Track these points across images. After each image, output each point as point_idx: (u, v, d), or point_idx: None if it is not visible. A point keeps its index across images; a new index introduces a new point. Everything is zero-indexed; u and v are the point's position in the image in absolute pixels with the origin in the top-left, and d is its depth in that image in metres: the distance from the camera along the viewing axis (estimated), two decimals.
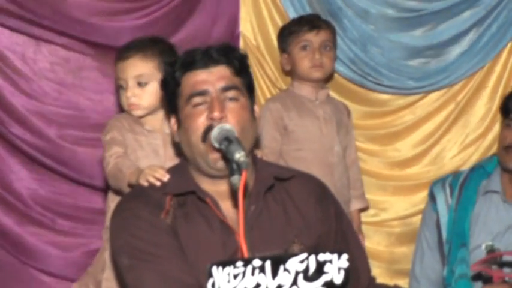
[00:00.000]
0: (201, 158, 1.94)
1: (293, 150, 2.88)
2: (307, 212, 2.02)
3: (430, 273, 2.80)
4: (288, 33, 2.96)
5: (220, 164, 1.91)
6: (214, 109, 1.92)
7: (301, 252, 1.91)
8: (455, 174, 2.86)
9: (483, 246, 2.60)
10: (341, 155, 2.93)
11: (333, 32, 2.97)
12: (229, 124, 1.90)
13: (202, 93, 1.95)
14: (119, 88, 2.54)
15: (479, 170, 2.79)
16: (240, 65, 2.01)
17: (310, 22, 2.92)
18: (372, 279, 2.15)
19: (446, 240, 2.75)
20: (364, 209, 3.12)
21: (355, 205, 3.03)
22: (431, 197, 2.83)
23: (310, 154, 2.87)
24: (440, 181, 2.84)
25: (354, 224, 2.91)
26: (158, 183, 2.03)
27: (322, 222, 2.03)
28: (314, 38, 2.90)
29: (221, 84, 1.96)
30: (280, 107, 2.90)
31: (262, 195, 1.97)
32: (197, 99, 1.95)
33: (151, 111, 2.52)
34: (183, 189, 1.96)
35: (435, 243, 2.78)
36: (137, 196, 2.03)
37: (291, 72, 3.01)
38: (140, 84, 2.48)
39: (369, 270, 2.14)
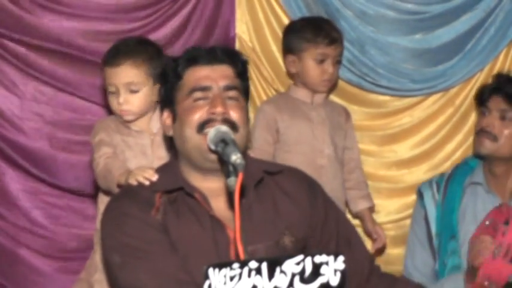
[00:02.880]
0: (196, 149, 1.95)
1: (282, 152, 2.88)
2: (298, 204, 2.04)
3: (421, 267, 2.84)
4: (302, 38, 2.86)
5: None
6: (217, 105, 1.94)
7: (292, 243, 1.95)
8: (442, 174, 2.94)
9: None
10: (333, 158, 2.91)
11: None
12: (232, 119, 1.93)
13: (205, 88, 1.97)
14: (107, 91, 2.54)
15: (463, 166, 2.88)
16: (242, 68, 2.04)
17: (328, 34, 2.86)
18: (375, 269, 2.14)
19: (435, 234, 2.80)
20: (372, 209, 3.06)
21: (362, 204, 2.99)
22: (419, 195, 2.90)
23: (299, 156, 2.86)
24: (428, 181, 2.92)
25: (368, 222, 2.95)
26: (147, 183, 2.03)
27: (312, 213, 2.05)
28: (332, 52, 2.86)
29: (224, 82, 1.98)
30: (274, 109, 2.89)
31: (252, 189, 1.98)
32: (198, 94, 1.97)
33: (141, 115, 2.53)
34: (171, 186, 1.97)
35: (425, 238, 2.84)
36: (126, 194, 2.04)
37: (294, 75, 2.97)
38: (132, 91, 2.48)
39: (368, 259, 2.13)
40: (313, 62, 2.87)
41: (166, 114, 2.06)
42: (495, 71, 3.23)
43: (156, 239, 1.89)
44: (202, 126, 1.93)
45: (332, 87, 3.06)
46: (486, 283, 2.37)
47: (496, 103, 2.78)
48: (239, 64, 2.03)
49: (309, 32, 2.87)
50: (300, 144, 2.88)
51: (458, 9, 3.20)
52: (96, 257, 2.51)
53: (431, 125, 3.30)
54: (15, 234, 3.04)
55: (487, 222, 2.48)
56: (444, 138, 3.28)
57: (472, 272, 2.44)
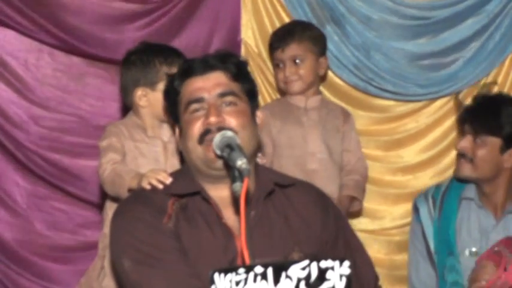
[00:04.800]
0: (200, 160, 1.94)
1: (275, 156, 2.89)
2: (309, 220, 2.02)
3: (426, 280, 2.83)
4: (271, 49, 2.98)
5: (220, 162, 1.91)
6: (210, 115, 1.93)
7: (300, 260, 1.92)
8: (438, 185, 2.91)
9: (466, 253, 2.69)
10: (327, 162, 2.90)
11: (310, 41, 2.91)
12: (229, 126, 1.92)
13: (199, 100, 1.96)
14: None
15: (458, 180, 2.84)
16: (237, 70, 2.01)
17: (278, 39, 2.92)
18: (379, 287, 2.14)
19: (434, 250, 2.80)
20: (355, 200, 2.94)
21: (346, 191, 2.91)
22: (415, 209, 2.88)
23: (290, 161, 2.87)
24: (423, 194, 2.89)
25: (341, 207, 2.80)
26: (160, 186, 2.02)
27: (322, 230, 2.03)
28: (282, 55, 2.90)
29: (217, 90, 1.97)
30: (268, 114, 2.89)
31: (262, 201, 1.97)
32: (194, 106, 1.96)
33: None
34: (188, 190, 1.96)
35: (425, 253, 2.83)
36: (139, 199, 2.02)
37: None
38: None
39: (375, 278, 2.13)
40: (275, 68, 2.97)
41: (177, 130, 2.07)
42: (501, 76, 3.24)
43: (167, 246, 1.88)
44: (202, 138, 1.93)
45: (321, 79, 3.07)
46: None
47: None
48: (233, 67, 2.00)
49: (271, 41, 2.97)
50: (290, 148, 2.89)
51: (462, 14, 3.20)
52: (103, 261, 2.49)
53: (437, 130, 3.30)
54: (20, 239, 3.05)
55: (496, 248, 2.47)
56: (450, 143, 3.27)
57: None
